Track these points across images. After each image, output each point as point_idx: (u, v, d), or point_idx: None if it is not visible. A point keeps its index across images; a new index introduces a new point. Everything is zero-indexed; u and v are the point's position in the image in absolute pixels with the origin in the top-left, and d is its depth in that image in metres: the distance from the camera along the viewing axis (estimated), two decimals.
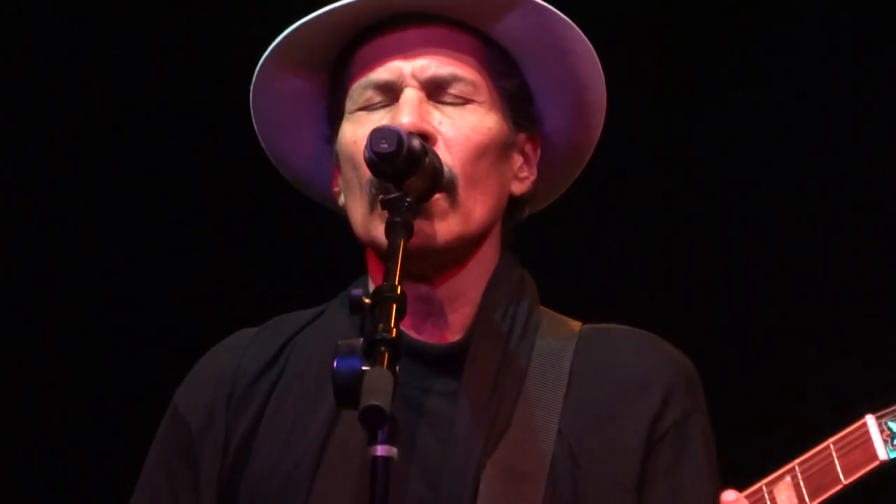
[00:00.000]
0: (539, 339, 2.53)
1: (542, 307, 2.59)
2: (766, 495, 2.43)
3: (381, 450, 2.10)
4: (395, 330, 2.13)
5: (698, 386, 2.55)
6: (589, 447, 2.48)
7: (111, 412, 4.58)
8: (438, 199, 2.40)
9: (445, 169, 2.40)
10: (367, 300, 2.17)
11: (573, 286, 3.01)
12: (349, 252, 2.66)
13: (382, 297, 2.15)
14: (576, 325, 2.59)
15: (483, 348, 2.50)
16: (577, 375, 2.51)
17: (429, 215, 2.41)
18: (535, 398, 2.50)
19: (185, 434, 2.58)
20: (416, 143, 2.30)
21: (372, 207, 2.39)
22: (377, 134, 2.28)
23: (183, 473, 2.58)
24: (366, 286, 2.52)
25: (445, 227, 2.44)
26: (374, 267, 2.51)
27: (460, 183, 2.43)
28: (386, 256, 2.27)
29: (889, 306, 4.37)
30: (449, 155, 2.42)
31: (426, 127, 2.40)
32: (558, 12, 2.49)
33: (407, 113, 2.40)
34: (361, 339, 2.14)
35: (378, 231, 2.36)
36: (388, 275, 2.20)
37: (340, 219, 2.60)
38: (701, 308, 4.31)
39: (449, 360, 2.49)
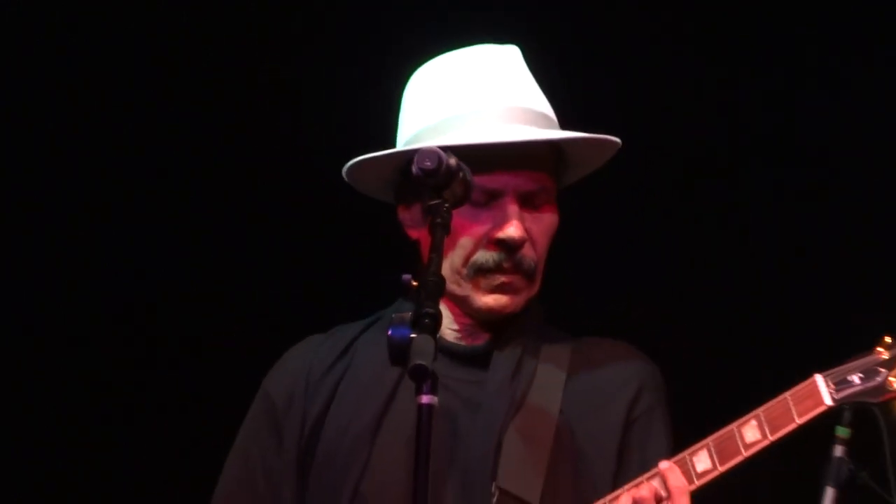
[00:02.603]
0: (544, 346, 3.11)
1: (546, 324, 3.17)
2: (736, 432, 2.87)
3: (425, 398, 2.53)
4: (434, 305, 2.58)
5: (662, 384, 3.13)
6: (583, 423, 3.04)
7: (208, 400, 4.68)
8: (521, 281, 2.99)
9: (530, 264, 2.99)
10: (414, 283, 2.65)
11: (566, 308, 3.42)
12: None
13: (426, 281, 2.63)
14: (570, 338, 3.17)
15: (505, 348, 3.07)
16: (572, 372, 3.08)
17: (517, 293, 3.01)
18: (542, 386, 3.06)
19: (272, 411, 3.13)
20: (452, 161, 2.74)
21: (460, 276, 2.99)
22: (423, 154, 2.73)
23: (269, 441, 3.12)
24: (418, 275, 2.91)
25: (523, 299, 3.04)
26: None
27: (538, 268, 3.03)
28: (430, 249, 2.70)
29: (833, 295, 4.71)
30: (534, 250, 3.01)
31: (526, 236, 2.99)
32: (618, 141, 3.07)
33: (515, 229, 2.97)
34: (409, 314, 2.58)
35: (461, 290, 3.00)
36: (431, 263, 2.66)
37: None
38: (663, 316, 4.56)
39: (479, 358, 3.07)
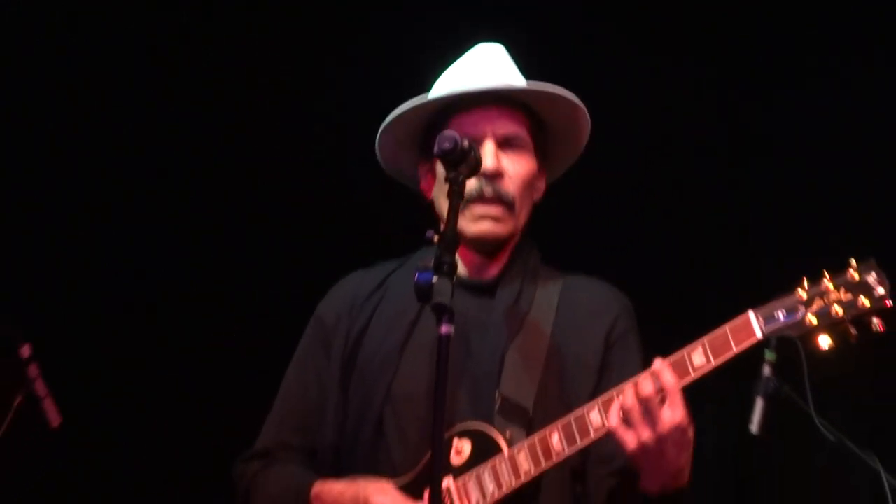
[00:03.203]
0: (540, 281, 3.54)
1: (542, 264, 3.60)
2: (686, 356, 3.18)
3: (444, 329, 2.98)
4: (451, 255, 3.04)
5: (633, 314, 3.53)
6: (569, 345, 3.46)
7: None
8: (503, 211, 3.42)
9: (508, 196, 3.43)
10: (436, 237, 3.13)
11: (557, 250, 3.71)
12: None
13: (445, 235, 3.10)
14: (560, 275, 3.58)
15: (509, 284, 3.52)
16: (563, 303, 3.51)
17: (498, 221, 3.44)
18: (538, 314, 3.49)
19: (323, 330, 3.60)
20: (465, 143, 3.18)
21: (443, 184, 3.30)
22: (443, 137, 3.19)
23: (320, 353, 3.58)
24: (439, 230, 3.29)
25: (506, 228, 3.47)
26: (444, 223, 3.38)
27: (517, 202, 3.47)
28: (449, 211, 3.16)
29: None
30: (513, 186, 3.46)
31: (501, 169, 3.45)
32: (577, 100, 3.52)
33: (490, 159, 3.43)
34: (432, 261, 3.04)
35: (466, 228, 3.41)
36: (449, 221, 3.14)
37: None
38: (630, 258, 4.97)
39: (488, 290, 3.52)
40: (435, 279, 3.03)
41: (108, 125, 5.60)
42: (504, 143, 3.50)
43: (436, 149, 3.23)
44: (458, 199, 3.20)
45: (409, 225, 3.47)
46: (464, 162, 3.22)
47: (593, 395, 3.36)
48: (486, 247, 3.52)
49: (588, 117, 3.58)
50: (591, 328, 3.50)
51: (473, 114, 3.50)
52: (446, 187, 3.23)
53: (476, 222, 3.43)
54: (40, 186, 5.63)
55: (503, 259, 3.56)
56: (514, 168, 3.49)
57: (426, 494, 3.19)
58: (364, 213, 5.47)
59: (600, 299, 3.56)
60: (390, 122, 3.58)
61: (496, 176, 3.44)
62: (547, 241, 3.67)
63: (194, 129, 5.57)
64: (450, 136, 3.22)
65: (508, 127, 3.51)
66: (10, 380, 4.77)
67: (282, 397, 3.64)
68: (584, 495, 3.40)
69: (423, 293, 3.03)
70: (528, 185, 3.52)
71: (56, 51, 5.51)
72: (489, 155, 3.45)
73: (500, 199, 3.46)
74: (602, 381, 3.42)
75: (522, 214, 3.53)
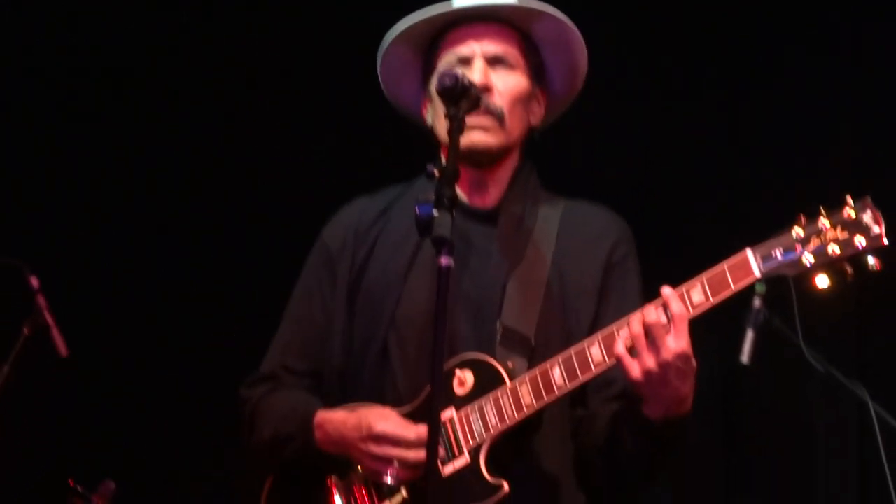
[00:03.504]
0: (541, 207, 3.56)
1: (543, 189, 3.62)
2: (685, 293, 3.19)
3: (444, 261, 3.03)
4: (451, 189, 3.09)
5: (632, 239, 3.56)
6: (570, 270, 3.49)
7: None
8: (493, 123, 3.44)
9: (497, 109, 3.44)
10: (437, 172, 3.16)
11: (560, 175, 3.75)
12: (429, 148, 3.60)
13: (446, 170, 3.14)
14: (561, 199, 3.61)
15: (509, 210, 3.54)
16: (563, 229, 3.53)
17: (487, 131, 3.45)
18: (539, 241, 3.51)
19: (328, 254, 3.61)
20: (466, 81, 3.25)
21: (445, 121, 3.32)
22: (444, 75, 3.27)
23: (326, 277, 3.60)
24: (438, 164, 3.29)
25: (496, 139, 3.48)
26: (445, 153, 3.46)
27: (506, 116, 3.48)
28: (448, 146, 3.23)
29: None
30: (501, 100, 3.47)
31: (489, 83, 3.46)
32: (567, 20, 3.54)
33: (478, 74, 3.45)
34: (432, 195, 3.09)
35: (444, 132, 3.36)
36: (450, 157, 3.19)
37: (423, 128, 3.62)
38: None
39: (489, 217, 3.53)
40: (435, 212, 3.09)
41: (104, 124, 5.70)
42: (494, 61, 3.52)
43: (437, 85, 3.30)
44: (458, 135, 3.26)
45: (410, 150, 3.54)
46: (464, 98, 3.28)
47: (594, 321, 3.43)
48: (480, 159, 3.51)
49: (581, 40, 3.60)
50: (592, 253, 3.53)
51: (464, 33, 3.54)
52: (442, 114, 3.32)
53: (466, 134, 3.35)
54: (45, 127, 5.69)
55: (503, 184, 3.58)
56: (504, 84, 3.51)
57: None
58: (366, 138, 5.49)
59: (600, 224, 3.59)
60: (387, 46, 3.61)
61: (485, 90, 3.43)
62: (549, 170, 3.70)
63: None
64: (450, 73, 3.30)
65: (498, 45, 3.54)
66: (19, 310, 4.85)
67: (287, 321, 3.67)
68: (584, 418, 3.44)
69: (424, 226, 3.10)
70: (519, 101, 3.54)
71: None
72: (478, 71, 3.48)
73: (488, 110, 3.47)
74: (601, 306, 3.47)
75: (515, 130, 3.54)
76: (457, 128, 3.27)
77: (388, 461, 3.33)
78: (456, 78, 3.27)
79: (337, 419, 3.43)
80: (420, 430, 3.30)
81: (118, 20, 5.68)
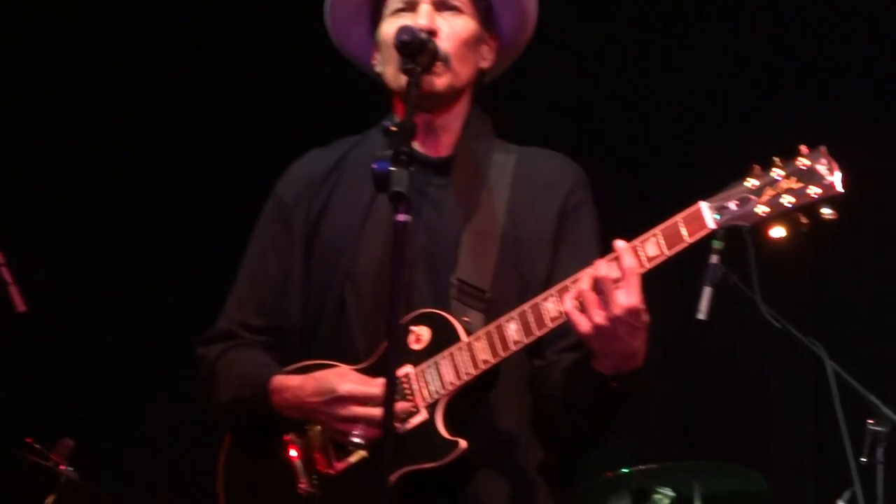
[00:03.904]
0: (494, 156, 3.57)
1: (496, 138, 3.62)
2: (639, 247, 3.18)
3: (401, 217, 3.07)
4: (408, 145, 3.13)
5: (588, 184, 3.56)
6: (525, 219, 3.49)
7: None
8: (439, 66, 3.42)
9: (442, 51, 3.42)
10: (393, 128, 3.21)
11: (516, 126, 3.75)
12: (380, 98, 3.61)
13: (403, 126, 3.19)
14: (515, 147, 3.62)
15: (463, 159, 3.54)
16: (517, 177, 3.53)
17: (435, 74, 3.43)
18: (493, 190, 3.51)
19: (282, 209, 3.59)
20: (423, 35, 3.32)
21: (398, 72, 3.37)
22: (402, 30, 3.31)
23: (281, 231, 3.58)
24: (392, 118, 3.51)
25: (442, 81, 3.47)
26: (398, 106, 3.52)
27: (452, 58, 3.47)
28: (405, 102, 3.26)
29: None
30: (447, 43, 3.46)
31: (434, 26, 3.45)
32: None
33: (423, 17, 3.45)
34: (390, 151, 3.12)
35: (402, 83, 3.34)
36: (407, 114, 3.22)
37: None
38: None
39: (443, 167, 3.52)
40: (392, 168, 3.11)
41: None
42: (440, 6, 3.51)
43: (394, 40, 3.34)
44: (415, 90, 3.28)
45: (360, 100, 3.52)
46: (421, 53, 3.32)
47: (551, 270, 3.44)
48: (428, 103, 3.48)
49: None
50: (546, 200, 3.52)
51: None
52: (394, 63, 3.38)
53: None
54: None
55: (455, 130, 3.58)
56: (450, 27, 3.50)
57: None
58: (316, 88, 5.46)
59: (555, 171, 3.59)
60: None
61: (430, 34, 3.43)
62: (505, 119, 3.68)
63: None
64: (408, 28, 3.34)
65: None
66: None
67: (243, 277, 3.65)
68: (541, 369, 3.44)
69: (382, 181, 3.12)
70: (466, 44, 3.53)
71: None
72: (423, 14, 3.48)
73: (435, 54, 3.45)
74: (557, 254, 3.47)
75: (462, 73, 3.53)
76: (415, 83, 3.29)
77: (355, 421, 3.33)
78: (413, 33, 3.30)
79: (294, 384, 3.42)
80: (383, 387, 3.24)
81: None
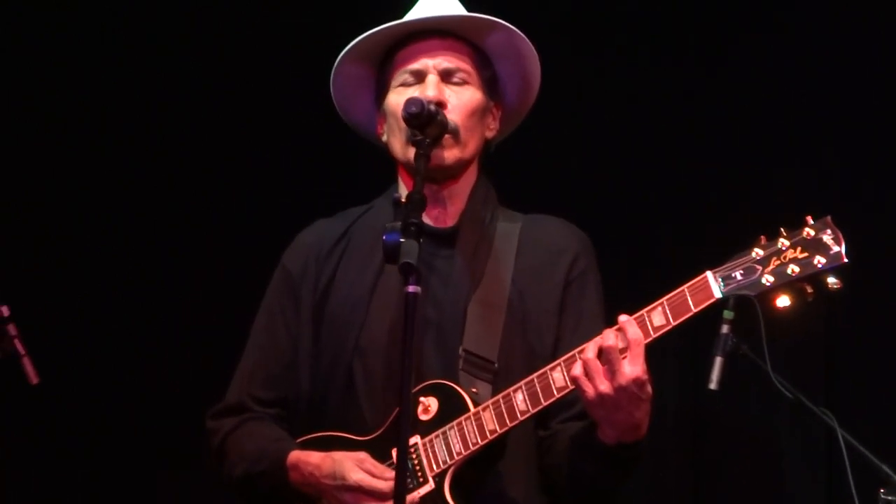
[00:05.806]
0: (499, 224, 3.58)
1: (500, 206, 3.64)
2: (646, 317, 3.23)
3: (411, 288, 3.10)
4: (418, 217, 3.17)
5: (592, 251, 3.58)
6: (530, 287, 3.51)
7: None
8: (448, 138, 3.44)
9: (451, 123, 3.45)
10: (403, 199, 3.27)
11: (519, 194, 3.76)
12: (384, 168, 3.67)
13: (413, 198, 3.22)
14: (519, 215, 3.63)
15: (468, 230, 3.55)
16: (522, 245, 3.55)
17: (443, 147, 3.46)
18: (498, 259, 3.53)
19: (290, 280, 3.61)
20: (432, 107, 3.35)
21: (406, 143, 3.43)
22: (410, 101, 3.34)
23: (289, 303, 3.59)
24: (397, 188, 3.54)
25: (451, 154, 3.50)
26: (404, 177, 3.56)
27: (461, 130, 3.49)
28: (414, 174, 3.30)
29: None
30: (455, 114, 3.48)
31: (443, 98, 3.48)
32: (517, 31, 3.57)
33: (431, 89, 3.49)
34: (399, 223, 3.16)
35: (410, 155, 3.39)
36: (416, 185, 3.25)
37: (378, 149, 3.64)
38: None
39: (448, 237, 3.54)
40: (402, 240, 3.14)
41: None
42: (446, 76, 3.54)
43: (403, 112, 3.37)
44: (424, 161, 3.32)
45: (368, 172, 3.56)
46: (430, 125, 3.35)
47: (557, 339, 3.46)
48: (435, 175, 3.51)
49: (533, 50, 3.62)
50: (551, 269, 3.55)
51: (416, 48, 3.57)
52: (402, 135, 3.42)
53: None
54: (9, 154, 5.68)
55: (461, 200, 3.59)
56: (457, 98, 3.53)
57: (394, 452, 3.32)
58: (323, 160, 5.51)
59: (559, 238, 3.61)
60: (340, 63, 3.64)
61: (439, 105, 3.45)
62: (507, 186, 3.71)
63: None
64: (416, 100, 3.37)
65: (450, 59, 3.56)
66: None
67: (251, 349, 3.66)
68: (545, 438, 3.45)
69: (391, 254, 3.15)
70: (473, 115, 3.55)
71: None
72: (430, 86, 3.51)
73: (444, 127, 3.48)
74: (562, 322, 3.50)
75: (470, 144, 3.55)
76: (423, 155, 3.33)
77: None
78: (422, 105, 3.34)
79: (312, 463, 3.44)
80: (391, 481, 3.29)
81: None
